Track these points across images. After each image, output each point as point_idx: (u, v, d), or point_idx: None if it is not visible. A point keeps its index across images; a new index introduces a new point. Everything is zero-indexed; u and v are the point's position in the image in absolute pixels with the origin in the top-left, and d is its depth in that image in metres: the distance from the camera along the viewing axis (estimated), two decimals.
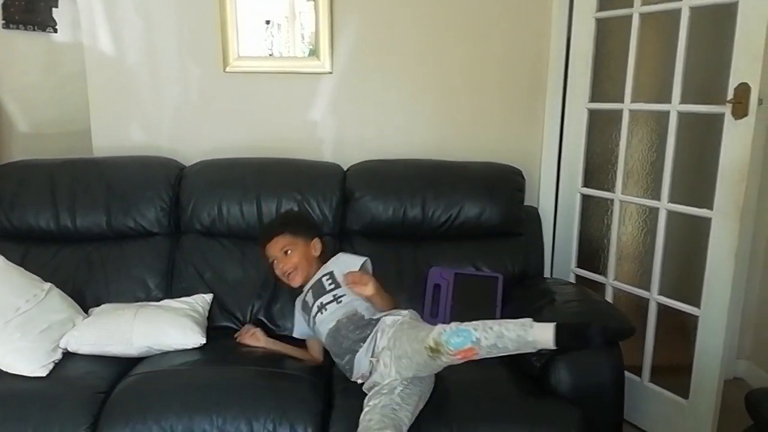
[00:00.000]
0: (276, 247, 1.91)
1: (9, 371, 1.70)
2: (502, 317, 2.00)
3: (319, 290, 1.85)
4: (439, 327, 1.51)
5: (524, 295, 2.05)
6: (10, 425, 1.55)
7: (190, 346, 1.85)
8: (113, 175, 2.23)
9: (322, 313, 1.80)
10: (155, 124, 2.50)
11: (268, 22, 2.46)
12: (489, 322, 1.49)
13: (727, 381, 2.15)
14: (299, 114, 2.52)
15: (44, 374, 1.70)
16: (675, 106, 2.08)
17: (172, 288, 2.12)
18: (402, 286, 2.10)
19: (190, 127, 2.50)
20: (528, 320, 1.50)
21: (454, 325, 1.50)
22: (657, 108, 2.21)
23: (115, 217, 2.17)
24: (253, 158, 2.34)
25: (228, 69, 2.45)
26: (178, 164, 2.33)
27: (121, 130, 2.50)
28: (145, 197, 2.19)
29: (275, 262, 1.91)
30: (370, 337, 1.69)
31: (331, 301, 1.81)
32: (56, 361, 1.76)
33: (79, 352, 1.81)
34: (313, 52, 2.46)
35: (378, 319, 1.74)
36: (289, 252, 1.90)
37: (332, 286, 1.84)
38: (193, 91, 2.49)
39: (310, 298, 1.86)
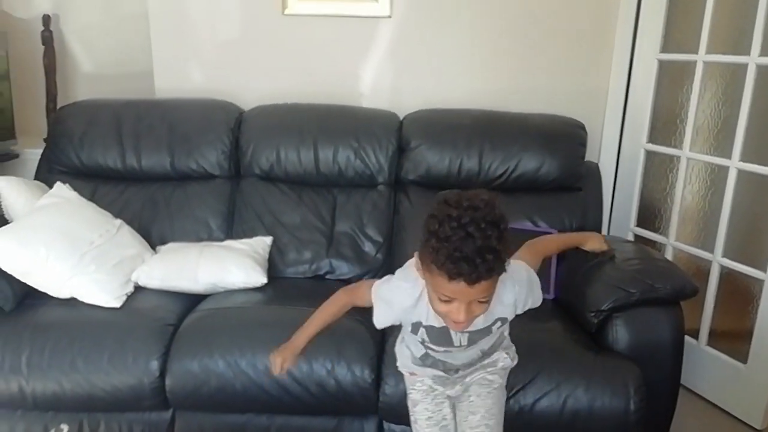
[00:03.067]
0: (477, 293, 1.10)
1: (86, 301, 1.80)
2: (557, 274, 2.00)
3: (481, 335, 1.29)
4: None
5: (582, 252, 2.01)
6: (87, 351, 1.66)
7: (251, 285, 1.91)
8: (176, 117, 2.27)
9: (459, 346, 1.29)
10: (215, 67, 2.51)
11: None
12: None
13: None
14: (357, 59, 2.48)
15: (118, 305, 1.80)
16: (754, 59, 1.97)
17: (233, 230, 2.18)
18: None
19: (248, 71, 2.50)
20: None
21: None
22: (734, 60, 2.09)
23: (178, 158, 2.22)
24: (311, 104, 2.34)
25: (287, 11, 2.43)
26: (237, 108, 2.35)
27: (182, 72, 2.52)
28: (206, 140, 2.23)
29: (457, 304, 1.11)
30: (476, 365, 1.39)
31: (482, 338, 1.30)
32: (129, 294, 1.86)
33: (149, 286, 1.90)
34: None
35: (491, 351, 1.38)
36: (485, 299, 1.13)
37: (500, 330, 1.31)
38: (251, 35, 2.48)
39: (462, 337, 1.27)
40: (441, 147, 2.20)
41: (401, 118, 2.31)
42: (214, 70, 2.52)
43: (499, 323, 1.26)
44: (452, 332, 1.24)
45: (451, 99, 2.39)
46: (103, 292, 1.79)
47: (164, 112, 2.28)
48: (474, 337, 1.27)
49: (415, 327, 1.26)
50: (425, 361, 1.36)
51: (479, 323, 1.22)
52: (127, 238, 1.97)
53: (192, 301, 1.87)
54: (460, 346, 1.27)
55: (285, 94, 2.40)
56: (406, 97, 2.44)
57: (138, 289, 1.90)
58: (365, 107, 2.37)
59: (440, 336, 1.26)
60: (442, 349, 1.29)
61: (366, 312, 1.84)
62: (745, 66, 2.00)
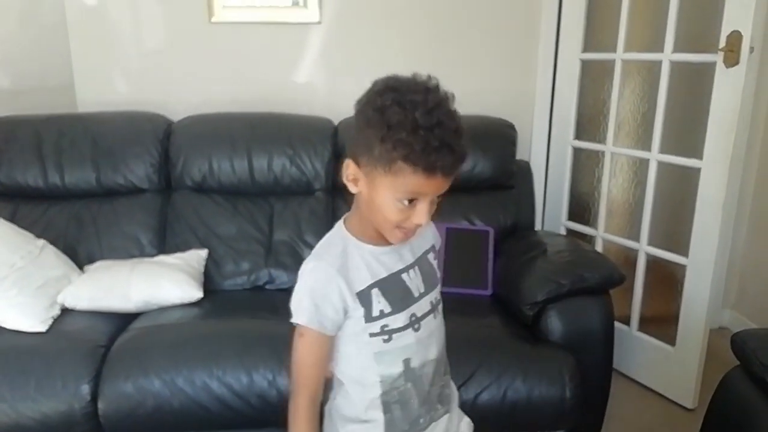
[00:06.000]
0: (447, 184, 0.92)
1: (8, 327, 1.70)
2: (494, 270, 2.04)
3: (428, 275, 1.06)
4: None
5: (516, 248, 2.08)
6: (11, 379, 1.57)
7: (187, 301, 1.87)
8: (100, 130, 2.19)
9: (415, 328, 1.01)
10: (140, 78, 2.44)
11: None
12: None
13: (712, 330, 2.22)
14: (288, 66, 2.47)
15: (44, 329, 1.71)
16: (667, 55, 2.07)
17: (165, 244, 2.11)
18: None
19: (176, 80, 2.45)
20: None
21: None
22: (649, 57, 2.20)
23: (105, 173, 2.14)
24: (243, 113, 2.30)
25: (213, 19, 2.39)
26: (165, 119, 2.29)
27: (106, 84, 2.44)
28: (133, 153, 2.16)
29: (421, 204, 0.92)
30: (447, 417, 1.10)
31: (429, 313, 1.04)
32: (55, 317, 1.77)
33: (77, 308, 1.82)
34: (296, 3, 2.39)
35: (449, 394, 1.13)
36: (443, 194, 0.95)
37: (434, 278, 1.08)
38: (178, 43, 2.43)
39: (416, 279, 1.03)
40: None
41: (336, 123, 2.31)
42: (140, 81, 2.44)
43: (431, 254, 1.09)
44: (405, 278, 1.01)
45: None
46: (27, 317, 1.70)
47: (87, 126, 2.19)
48: (424, 270, 1.05)
49: (365, 298, 0.97)
50: (410, 395, 1.02)
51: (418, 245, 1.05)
52: (51, 259, 1.88)
53: (124, 320, 1.80)
54: (419, 295, 1.02)
55: (216, 103, 2.36)
56: (341, 102, 2.43)
57: (65, 311, 1.82)
58: (299, 114, 2.35)
59: (396, 288, 1.00)
60: (404, 316, 1.00)
61: None
62: (659, 63, 2.10)
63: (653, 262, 2.25)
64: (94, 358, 1.63)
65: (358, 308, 0.97)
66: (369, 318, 0.98)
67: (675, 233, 2.23)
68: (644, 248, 2.24)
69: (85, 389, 1.58)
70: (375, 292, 0.98)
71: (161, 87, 2.44)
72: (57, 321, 1.77)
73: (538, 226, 2.43)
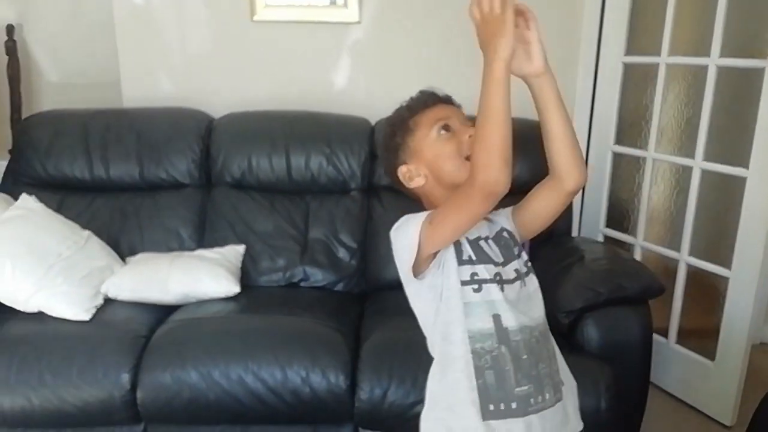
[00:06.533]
0: (457, 112, 1.12)
1: (54, 315, 1.76)
2: None
3: (506, 248, 1.08)
4: None
5: (552, 254, 2.05)
6: (56, 366, 1.62)
7: (224, 295, 1.90)
8: (144, 126, 2.24)
9: (501, 288, 1.03)
10: (183, 75, 2.49)
11: None
12: None
13: (753, 346, 2.15)
14: (327, 65, 2.48)
15: (87, 318, 1.77)
16: (714, 60, 2.02)
17: (204, 239, 2.15)
18: None
19: (218, 78, 2.49)
20: None
21: None
22: (695, 62, 2.15)
23: (148, 168, 2.19)
24: (282, 111, 2.33)
25: (255, 18, 2.42)
26: (207, 116, 2.33)
27: (150, 81, 2.49)
28: (176, 149, 2.21)
29: (458, 126, 1.08)
30: (561, 407, 1.06)
31: (515, 280, 1.06)
32: (98, 306, 1.83)
33: (119, 298, 1.87)
34: (335, 1, 2.41)
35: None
36: (468, 124, 1.09)
37: (518, 251, 1.10)
38: (220, 42, 2.47)
39: (494, 249, 1.07)
40: None
41: (373, 123, 2.31)
42: (183, 78, 2.49)
43: (506, 234, 1.10)
44: (483, 244, 1.05)
45: None
46: (71, 305, 1.76)
47: (132, 121, 2.25)
48: (501, 244, 1.07)
49: (455, 242, 1.02)
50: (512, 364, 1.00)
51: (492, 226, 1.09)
52: (96, 250, 1.94)
53: (163, 312, 1.84)
54: (499, 261, 1.05)
55: (256, 101, 2.39)
56: (378, 101, 2.43)
57: (108, 301, 1.87)
58: (337, 113, 2.36)
59: (478, 248, 1.04)
60: (491, 270, 1.03)
61: (339, 317, 1.86)
62: (705, 68, 2.05)
63: (694, 273, 2.19)
64: (134, 348, 1.67)
65: (450, 248, 1.02)
66: (460, 260, 1.02)
67: (717, 244, 2.17)
68: (685, 258, 2.18)
69: (125, 378, 1.62)
70: (463, 240, 1.04)
71: (204, 84, 2.48)
72: (100, 310, 1.82)
73: (575, 233, 2.39)
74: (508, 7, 0.92)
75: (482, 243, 1.06)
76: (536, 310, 1.07)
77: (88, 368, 1.62)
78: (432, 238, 0.99)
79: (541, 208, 1.11)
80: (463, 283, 1.02)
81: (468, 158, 1.01)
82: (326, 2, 2.43)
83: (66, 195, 2.18)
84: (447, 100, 1.14)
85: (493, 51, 0.95)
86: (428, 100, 1.12)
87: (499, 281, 1.03)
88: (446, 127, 1.08)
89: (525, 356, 1.01)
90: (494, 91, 0.96)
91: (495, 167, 0.92)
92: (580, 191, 2.50)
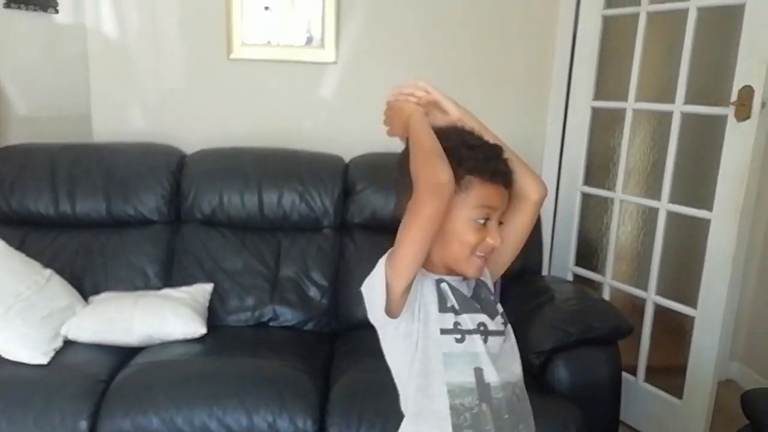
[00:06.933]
0: (506, 200, 1.03)
1: (10, 358, 1.69)
2: None
3: (486, 301, 1.06)
4: None
5: (523, 293, 2.06)
6: (11, 412, 1.55)
7: (190, 336, 1.85)
8: (113, 161, 2.21)
9: (484, 339, 1.00)
10: (157, 110, 2.48)
11: (267, 8, 2.43)
12: None
13: (719, 383, 2.18)
14: (302, 104, 2.50)
15: (45, 361, 1.70)
16: (679, 107, 2.09)
17: (171, 277, 2.11)
18: None
19: (192, 114, 2.48)
20: None
21: None
22: (661, 108, 2.22)
23: (115, 203, 2.15)
24: (255, 147, 2.32)
25: (232, 56, 2.43)
26: (179, 152, 2.31)
27: (122, 116, 2.47)
28: (145, 185, 2.17)
29: (493, 222, 1.00)
30: None
31: (498, 334, 1.03)
32: (57, 349, 1.76)
33: (80, 340, 1.81)
34: (311, 41, 2.44)
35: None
36: (504, 219, 1.04)
37: (496, 302, 1.08)
38: (196, 78, 2.47)
39: (474, 300, 1.05)
40: (387, 190, 2.21)
41: (347, 161, 2.33)
42: (156, 114, 2.48)
43: (484, 286, 1.08)
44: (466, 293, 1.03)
45: (397, 143, 2.42)
46: (29, 348, 1.69)
47: (101, 156, 2.22)
48: (481, 297, 1.06)
49: (438, 288, 1.01)
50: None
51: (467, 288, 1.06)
52: (57, 289, 1.88)
53: (126, 354, 1.79)
54: (482, 312, 1.04)
55: (230, 138, 2.38)
56: (352, 140, 2.47)
57: (68, 343, 1.80)
58: (310, 150, 2.37)
59: (461, 298, 1.02)
60: (474, 321, 1.00)
61: (308, 359, 1.82)
62: (671, 113, 2.12)
63: (661, 312, 2.22)
64: (93, 393, 1.61)
65: (432, 292, 1.00)
66: (443, 308, 0.99)
67: (683, 283, 2.21)
68: (652, 297, 2.21)
69: (83, 425, 1.55)
70: (444, 286, 1.01)
71: (177, 120, 2.47)
72: (59, 353, 1.75)
73: (545, 271, 2.41)
74: (392, 105, 1.20)
75: (465, 293, 1.04)
76: (516, 365, 1.04)
77: (45, 415, 1.55)
78: (397, 266, 0.95)
79: (513, 225, 1.07)
80: (444, 331, 0.98)
81: (476, 254, 1.00)
82: (303, 42, 2.46)
83: (29, 231, 2.13)
84: (508, 184, 1.02)
85: (407, 120, 1.11)
86: (496, 173, 0.99)
87: (483, 332, 1.00)
88: (485, 220, 0.99)
89: (506, 416, 0.97)
90: (417, 130, 1.05)
91: (430, 163, 0.94)
92: (551, 230, 2.54)
